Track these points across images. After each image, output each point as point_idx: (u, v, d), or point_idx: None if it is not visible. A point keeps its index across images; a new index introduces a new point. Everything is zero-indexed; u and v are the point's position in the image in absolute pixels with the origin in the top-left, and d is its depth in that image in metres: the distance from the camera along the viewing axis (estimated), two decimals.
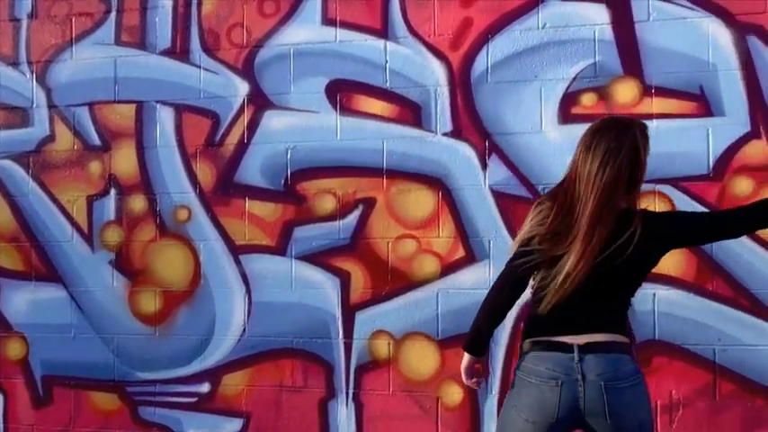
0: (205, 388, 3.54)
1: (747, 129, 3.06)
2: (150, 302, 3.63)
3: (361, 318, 3.38)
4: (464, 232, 3.29)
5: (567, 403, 2.19)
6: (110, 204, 3.68)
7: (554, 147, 3.23)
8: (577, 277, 2.19)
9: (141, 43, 3.67)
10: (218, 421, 3.53)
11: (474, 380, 2.40)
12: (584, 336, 2.22)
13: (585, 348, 2.19)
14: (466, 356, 2.37)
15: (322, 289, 3.43)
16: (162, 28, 3.65)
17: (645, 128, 2.31)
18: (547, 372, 2.21)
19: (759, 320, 3.03)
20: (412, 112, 3.37)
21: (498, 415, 3.22)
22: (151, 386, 3.60)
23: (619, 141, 2.23)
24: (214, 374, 3.53)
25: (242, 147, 3.54)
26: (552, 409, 2.19)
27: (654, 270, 3.09)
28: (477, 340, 2.36)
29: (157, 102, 3.65)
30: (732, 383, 3.05)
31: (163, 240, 3.62)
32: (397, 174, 3.38)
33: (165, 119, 3.64)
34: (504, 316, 2.38)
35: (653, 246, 2.25)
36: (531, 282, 2.34)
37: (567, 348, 2.20)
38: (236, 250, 3.53)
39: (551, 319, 2.26)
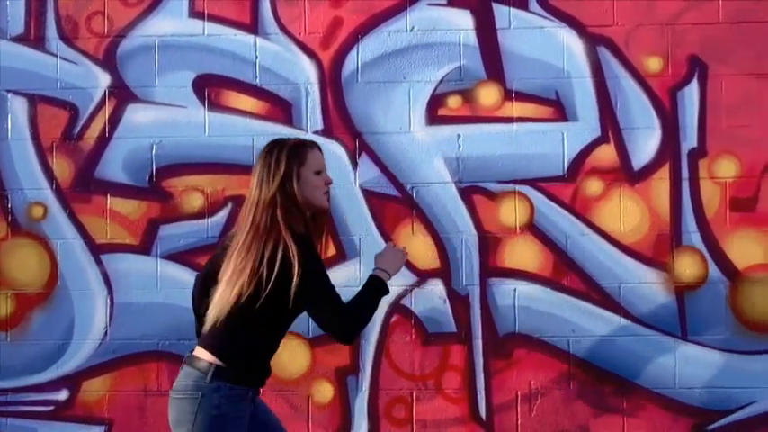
0: (63, 395, 3.36)
1: (598, 134, 3.29)
2: (1, 306, 3.40)
3: None
4: (335, 230, 3.32)
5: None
6: None
7: (422, 147, 3.33)
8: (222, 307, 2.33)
9: None
10: (77, 429, 3.36)
11: None
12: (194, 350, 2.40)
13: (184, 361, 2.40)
14: None
15: (189, 289, 3.34)
16: (14, 12, 3.42)
17: (290, 146, 2.39)
18: None
19: (608, 313, 3.25)
20: (282, 110, 3.36)
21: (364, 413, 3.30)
22: (2, 395, 3.38)
23: (260, 165, 2.39)
24: (73, 381, 3.36)
25: (103, 141, 3.39)
26: None
27: (513, 266, 3.30)
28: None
29: (8, 91, 3.42)
30: (585, 372, 3.26)
31: (15, 239, 3.41)
32: None
33: (17, 109, 3.42)
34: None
35: (286, 289, 2.29)
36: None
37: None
38: (97, 249, 3.38)
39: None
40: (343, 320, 2.35)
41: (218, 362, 2.32)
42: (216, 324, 2.34)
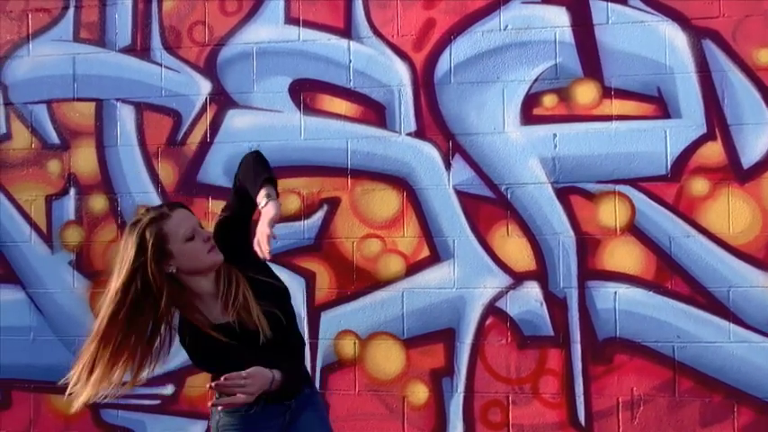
0: (169, 390, 3.50)
1: (703, 130, 3.15)
2: None
3: (327, 318, 3.38)
4: (428, 232, 3.32)
5: None
6: (69, 204, 3.62)
7: (516, 147, 3.28)
8: None
9: (100, 40, 3.62)
10: (182, 423, 3.50)
11: None
12: None
13: None
14: None
15: None
16: (122, 25, 3.59)
17: (143, 227, 2.14)
18: None
19: (716, 318, 3.11)
20: (376, 112, 3.38)
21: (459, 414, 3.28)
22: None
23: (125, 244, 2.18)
24: (178, 376, 3.49)
25: (205, 146, 3.51)
26: None
27: (613, 269, 3.21)
28: None
29: (117, 100, 3.59)
30: (691, 380, 3.13)
31: None
32: (361, 173, 3.38)
33: (125, 117, 3.59)
34: None
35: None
36: None
37: None
38: None
39: None
40: None
41: None
42: None
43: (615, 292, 3.18)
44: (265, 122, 3.47)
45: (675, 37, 3.17)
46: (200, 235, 2.21)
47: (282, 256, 3.42)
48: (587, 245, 3.21)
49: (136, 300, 2.14)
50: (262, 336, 2.18)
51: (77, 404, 2.23)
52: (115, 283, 2.15)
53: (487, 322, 3.27)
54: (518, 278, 3.25)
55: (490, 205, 3.28)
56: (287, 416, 2.32)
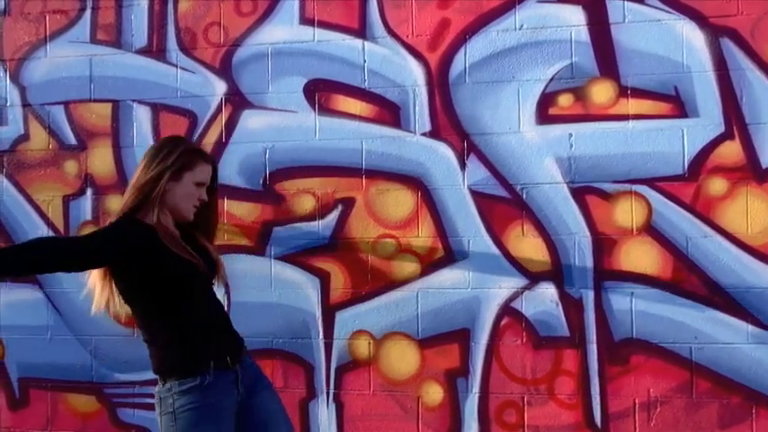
0: None
1: (721, 130, 3.12)
2: None
3: (341, 318, 3.39)
4: (443, 232, 3.31)
5: None
6: (86, 204, 3.65)
7: (532, 147, 3.26)
8: None
9: (117, 42, 3.64)
10: None
11: None
12: None
13: None
14: None
15: (302, 289, 3.43)
16: (138, 26, 3.62)
17: (186, 148, 2.59)
18: None
19: (734, 319, 3.08)
20: (390, 113, 3.38)
21: (476, 416, 3.27)
22: (130, 388, 3.58)
23: (151, 153, 2.62)
24: None
25: (220, 146, 3.53)
26: None
27: (630, 269, 3.18)
28: None
29: (134, 101, 3.62)
30: (708, 381, 3.10)
31: None
32: (376, 173, 3.38)
33: (141, 118, 3.61)
34: None
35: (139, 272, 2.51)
36: None
37: None
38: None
39: None
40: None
41: (157, 363, 2.45)
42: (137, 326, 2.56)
43: (632, 293, 3.16)
44: (280, 123, 3.48)
45: (693, 35, 3.14)
46: (203, 193, 2.58)
47: (297, 256, 3.44)
48: (603, 245, 3.19)
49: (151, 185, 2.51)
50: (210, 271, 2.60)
51: None
52: (147, 171, 2.51)
53: (503, 322, 3.26)
54: (533, 278, 3.24)
55: (505, 205, 3.27)
56: (239, 387, 2.44)
